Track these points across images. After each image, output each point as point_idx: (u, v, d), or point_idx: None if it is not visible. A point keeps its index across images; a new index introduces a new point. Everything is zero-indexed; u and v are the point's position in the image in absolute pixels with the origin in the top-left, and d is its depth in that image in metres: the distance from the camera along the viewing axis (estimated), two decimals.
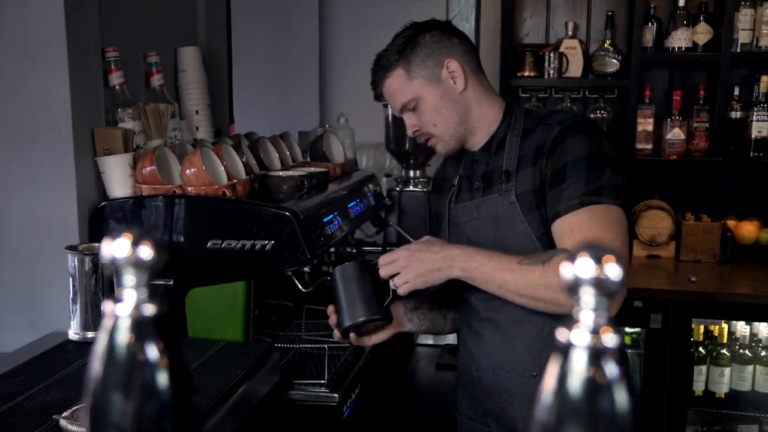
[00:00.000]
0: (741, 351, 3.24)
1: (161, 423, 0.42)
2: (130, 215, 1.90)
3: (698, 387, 3.22)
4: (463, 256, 1.55)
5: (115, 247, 0.43)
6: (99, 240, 1.93)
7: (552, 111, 1.74)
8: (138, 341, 0.43)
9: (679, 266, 3.34)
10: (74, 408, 1.40)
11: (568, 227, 1.55)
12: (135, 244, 0.43)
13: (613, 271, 0.40)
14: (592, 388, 0.40)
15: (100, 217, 1.93)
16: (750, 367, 3.23)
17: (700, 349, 3.23)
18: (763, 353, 3.23)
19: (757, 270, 3.28)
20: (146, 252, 0.43)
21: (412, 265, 1.58)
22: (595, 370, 0.41)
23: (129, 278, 0.43)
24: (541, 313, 1.60)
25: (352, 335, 1.73)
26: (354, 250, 2.31)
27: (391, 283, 1.62)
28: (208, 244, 1.80)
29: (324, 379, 1.84)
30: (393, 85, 1.69)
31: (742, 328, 3.27)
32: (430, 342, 2.59)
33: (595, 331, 0.41)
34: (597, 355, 0.41)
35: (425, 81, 1.66)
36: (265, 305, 2.07)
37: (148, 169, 1.90)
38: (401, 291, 1.60)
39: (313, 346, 2.02)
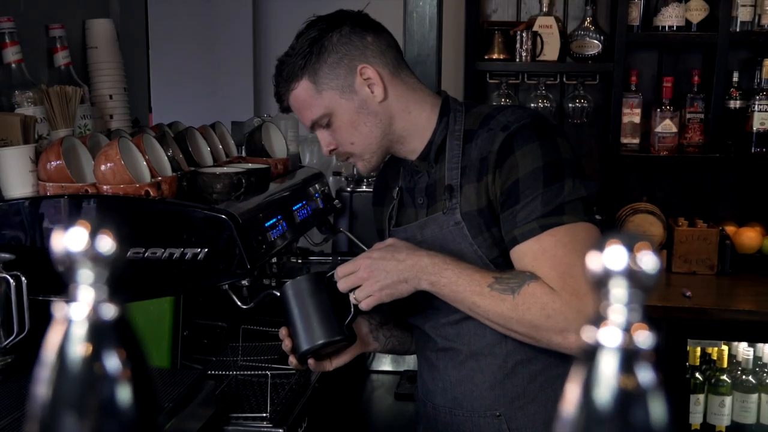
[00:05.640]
0: (743, 377, 3.31)
1: None
2: (31, 219, 1.87)
3: (695, 419, 3.28)
4: (432, 269, 1.56)
5: (70, 240, 0.43)
6: None
7: (497, 108, 1.71)
8: (97, 348, 0.43)
9: (672, 279, 3.41)
10: None
11: (529, 256, 1.54)
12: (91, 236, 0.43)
13: (649, 261, 0.42)
14: (625, 395, 0.42)
15: None
16: (754, 396, 3.29)
17: (697, 375, 3.30)
18: None
19: (760, 283, 3.36)
20: (107, 244, 0.43)
21: (375, 276, 1.57)
22: (627, 375, 0.42)
23: (85, 274, 0.43)
24: (506, 344, 1.62)
25: (310, 361, 1.72)
26: (300, 261, 2.30)
27: (352, 298, 1.62)
28: (129, 253, 1.78)
29: (266, 412, 1.84)
30: (299, 98, 1.67)
31: (744, 350, 3.34)
32: (387, 368, 2.60)
33: (627, 329, 0.43)
34: (629, 357, 0.42)
35: (337, 93, 1.65)
36: (196, 325, 2.07)
37: (54, 163, 1.87)
38: (364, 306, 1.60)
39: (252, 373, 2.01)
